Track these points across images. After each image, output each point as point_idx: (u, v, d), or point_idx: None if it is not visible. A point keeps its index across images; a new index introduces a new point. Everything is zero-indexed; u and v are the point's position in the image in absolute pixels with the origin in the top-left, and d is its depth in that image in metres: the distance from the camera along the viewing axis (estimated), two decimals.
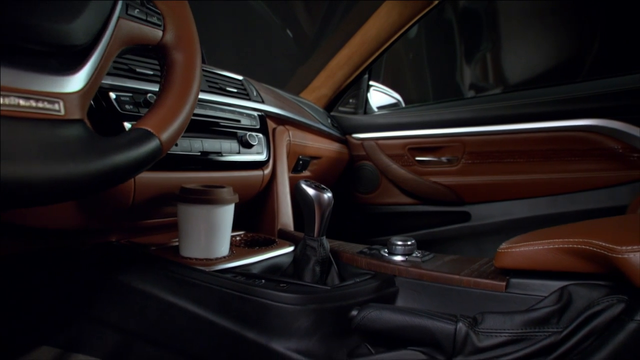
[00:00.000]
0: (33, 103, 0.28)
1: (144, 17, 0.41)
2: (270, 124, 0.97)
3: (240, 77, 0.94)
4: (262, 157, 0.88)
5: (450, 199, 1.44)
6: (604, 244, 0.43)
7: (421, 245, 0.73)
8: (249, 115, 0.89)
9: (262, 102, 0.96)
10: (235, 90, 0.89)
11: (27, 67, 0.29)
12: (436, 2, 1.32)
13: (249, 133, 0.85)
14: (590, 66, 1.87)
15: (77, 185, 0.31)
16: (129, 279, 0.63)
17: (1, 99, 0.26)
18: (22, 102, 0.28)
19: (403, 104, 1.82)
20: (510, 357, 0.44)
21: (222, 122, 0.80)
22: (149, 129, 0.39)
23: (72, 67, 0.32)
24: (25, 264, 0.68)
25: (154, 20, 0.43)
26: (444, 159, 1.46)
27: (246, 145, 0.83)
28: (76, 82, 0.32)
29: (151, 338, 0.61)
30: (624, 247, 0.41)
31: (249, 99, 0.92)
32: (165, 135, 0.40)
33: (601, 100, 1.27)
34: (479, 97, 2.20)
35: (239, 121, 0.85)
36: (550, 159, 1.31)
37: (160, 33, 0.44)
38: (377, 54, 1.48)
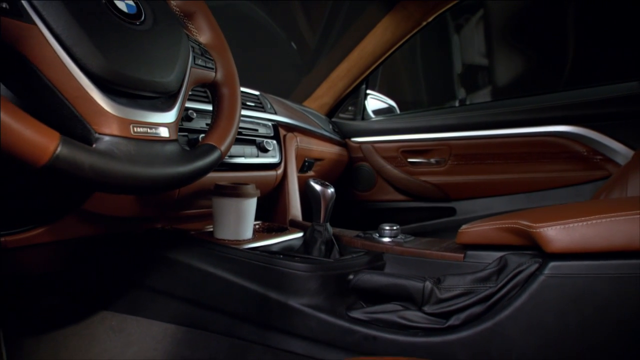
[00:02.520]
0: (154, 130, 0.46)
1: (204, 64, 0.59)
2: (282, 132, 1.14)
3: (257, 93, 1.11)
4: (275, 160, 1.05)
5: (438, 196, 1.58)
6: (526, 222, 0.60)
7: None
8: (264, 125, 1.06)
9: (275, 113, 1.13)
10: (253, 104, 1.06)
11: (148, 107, 0.46)
12: (424, 24, 1.49)
13: (265, 140, 1.02)
14: (567, 77, 2.04)
15: (179, 181, 0.48)
16: (176, 255, 0.80)
17: (140, 129, 0.44)
18: (149, 130, 0.45)
19: (397, 110, 1.98)
20: (461, 304, 0.61)
21: (244, 132, 0.97)
22: (213, 144, 0.57)
23: (169, 105, 0.49)
24: (95, 244, 0.85)
25: (210, 65, 0.61)
26: (432, 160, 1.59)
27: (263, 150, 1.01)
28: (172, 115, 0.49)
29: (195, 301, 0.78)
30: (537, 224, 0.58)
31: (264, 111, 1.09)
32: (223, 147, 0.58)
33: (570, 109, 1.40)
34: (464, 105, 2.36)
35: (257, 130, 1.02)
36: (525, 160, 1.45)
37: (213, 74, 0.61)
38: (373, 67, 1.63)
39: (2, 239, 0.65)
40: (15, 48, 0.39)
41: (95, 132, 0.41)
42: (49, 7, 0.40)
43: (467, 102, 2.58)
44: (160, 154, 0.46)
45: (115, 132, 0.42)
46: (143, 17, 0.48)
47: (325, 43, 2.13)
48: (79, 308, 0.89)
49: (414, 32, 1.52)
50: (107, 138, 0.42)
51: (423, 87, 2.72)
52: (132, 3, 0.47)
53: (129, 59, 0.44)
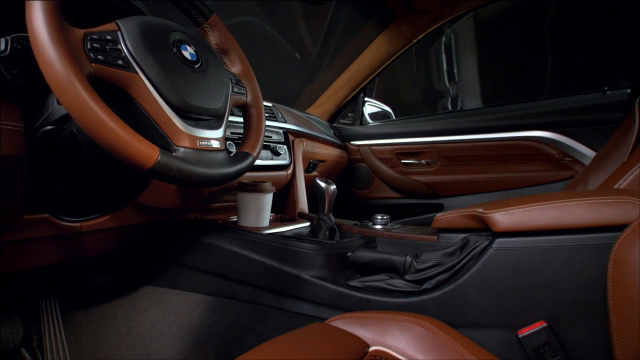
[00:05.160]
0: (211, 143, 0.65)
1: (239, 91, 0.78)
2: (290, 137, 1.33)
3: (270, 104, 1.30)
4: (286, 162, 1.24)
5: (428, 193, 1.77)
6: (481, 210, 0.79)
7: None
8: (276, 132, 1.25)
9: (285, 121, 1.32)
10: (267, 114, 1.25)
11: (206, 127, 0.65)
12: (415, 41, 1.68)
13: (277, 145, 1.21)
14: (548, 86, 2.24)
15: (227, 179, 0.67)
16: (208, 239, 0.99)
17: (202, 142, 0.63)
18: (207, 143, 0.64)
19: (393, 115, 2.17)
20: (433, 273, 0.80)
21: None
22: (248, 151, 0.76)
23: (219, 125, 0.68)
24: (143, 230, 1.04)
25: (242, 91, 0.80)
26: (423, 161, 1.77)
27: (276, 153, 1.20)
28: (221, 131, 0.68)
29: (224, 275, 0.96)
30: (488, 211, 0.76)
31: (276, 120, 1.28)
32: (255, 153, 0.76)
33: (543, 116, 1.58)
34: (452, 112, 2.56)
35: (270, 137, 1.21)
36: (505, 162, 1.63)
37: (244, 97, 0.80)
38: (370, 78, 1.81)
39: (78, 224, 0.84)
40: (124, 89, 0.58)
41: (174, 145, 0.60)
42: (145, 61, 0.59)
43: (453, 108, 2.80)
44: (216, 159, 0.65)
45: (188, 145, 0.61)
46: (200, 63, 0.67)
47: (325, 52, 2.32)
48: (126, 284, 1.08)
49: (406, 48, 1.71)
50: (182, 149, 0.61)
51: (414, 91, 2.94)
52: (193, 52, 0.66)
53: (194, 93, 0.63)
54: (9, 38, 0.59)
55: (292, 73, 2.44)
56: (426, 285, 0.80)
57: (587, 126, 1.53)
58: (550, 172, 1.59)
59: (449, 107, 2.91)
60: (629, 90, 1.46)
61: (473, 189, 1.71)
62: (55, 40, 0.49)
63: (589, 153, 1.52)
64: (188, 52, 0.65)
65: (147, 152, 0.54)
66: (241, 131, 1.12)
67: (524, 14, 2.29)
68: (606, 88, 1.56)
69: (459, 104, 2.80)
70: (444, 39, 2.74)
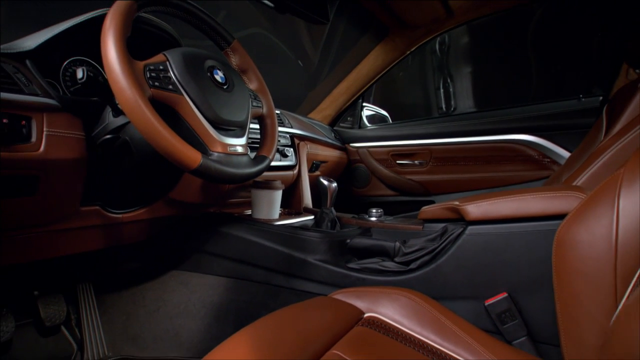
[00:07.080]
0: (237, 149, 0.81)
1: (257, 105, 0.94)
2: (296, 141, 1.49)
3: (278, 111, 1.46)
4: (292, 163, 1.40)
5: (421, 191, 1.91)
6: (457, 203, 0.95)
7: None
8: (284, 136, 1.41)
9: (291, 127, 1.48)
10: None
11: (233, 135, 0.81)
12: (408, 53, 1.84)
13: (285, 148, 1.37)
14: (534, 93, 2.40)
15: (250, 177, 0.83)
16: (227, 229, 1.14)
17: (231, 148, 0.79)
18: (233, 148, 0.80)
19: (389, 119, 2.32)
20: (417, 255, 0.96)
21: None
22: (265, 154, 0.92)
23: (242, 133, 0.84)
24: (171, 222, 1.20)
25: (259, 105, 0.96)
26: (416, 162, 1.91)
27: (284, 155, 1.36)
28: (244, 139, 0.84)
29: (241, 260, 1.12)
30: (462, 204, 0.92)
31: (284, 125, 1.44)
32: (270, 156, 0.92)
33: (525, 121, 1.72)
34: (443, 117, 2.72)
35: (279, 141, 1.37)
36: (490, 162, 1.77)
37: (261, 110, 0.97)
38: (367, 85, 1.95)
39: (121, 215, 1.01)
40: (173, 108, 0.74)
41: (210, 150, 0.77)
42: (188, 85, 0.75)
43: (446, 108, 2.98)
44: (242, 162, 0.81)
45: (220, 150, 0.77)
46: (227, 84, 0.83)
47: (326, 60, 2.48)
48: (155, 269, 1.24)
49: (400, 58, 1.86)
50: (216, 154, 0.77)
51: (409, 91, 3.10)
52: (222, 75, 0.82)
53: (225, 109, 0.80)
54: (84, 68, 0.75)
55: (295, 80, 2.60)
56: (412, 266, 0.96)
57: (564, 130, 1.67)
58: (531, 172, 1.73)
59: (443, 106, 3.07)
60: (600, 98, 1.62)
61: (462, 187, 1.85)
62: (125, 72, 0.65)
63: (565, 154, 1.67)
64: (219, 75, 0.81)
65: (193, 157, 0.70)
66: (255, 136, 1.28)
67: (509, 26, 2.45)
68: (581, 96, 1.71)
69: (452, 104, 2.97)
70: (438, 39, 2.90)
